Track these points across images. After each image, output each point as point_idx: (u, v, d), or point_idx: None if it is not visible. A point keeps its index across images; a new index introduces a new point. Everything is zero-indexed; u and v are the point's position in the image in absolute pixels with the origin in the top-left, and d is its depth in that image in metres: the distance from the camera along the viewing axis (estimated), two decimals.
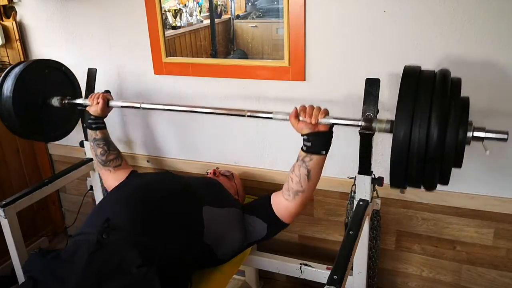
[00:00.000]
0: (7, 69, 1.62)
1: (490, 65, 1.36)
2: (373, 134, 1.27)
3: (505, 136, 1.05)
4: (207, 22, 1.77)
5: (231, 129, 1.83)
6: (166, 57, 1.79)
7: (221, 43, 1.79)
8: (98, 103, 1.55)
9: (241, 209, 1.43)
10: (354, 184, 1.38)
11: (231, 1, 1.70)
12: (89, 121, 1.57)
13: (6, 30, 2.07)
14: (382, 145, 1.58)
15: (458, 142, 1.02)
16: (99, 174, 1.91)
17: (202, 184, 1.49)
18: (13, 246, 1.61)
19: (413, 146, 1.01)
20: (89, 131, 1.60)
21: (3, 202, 1.57)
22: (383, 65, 1.48)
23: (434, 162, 1.02)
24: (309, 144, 1.23)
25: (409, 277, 1.78)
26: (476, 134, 1.06)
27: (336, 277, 1.02)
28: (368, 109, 1.27)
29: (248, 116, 1.38)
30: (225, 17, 1.74)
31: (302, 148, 1.26)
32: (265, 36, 1.66)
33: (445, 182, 1.09)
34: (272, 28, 1.63)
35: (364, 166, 1.33)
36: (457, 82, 1.08)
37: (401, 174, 1.07)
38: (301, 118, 1.23)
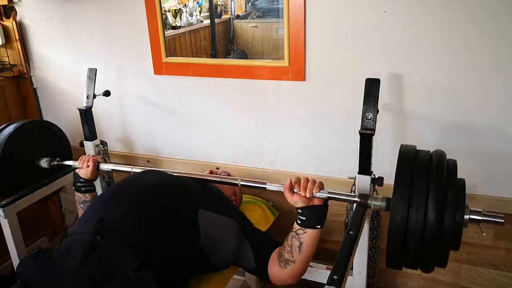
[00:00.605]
0: None
1: (489, 65, 1.37)
2: (373, 134, 1.27)
3: (501, 221, 1.04)
4: (207, 22, 1.78)
5: (231, 129, 1.83)
6: (166, 57, 1.79)
7: (221, 43, 1.79)
8: (88, 166, 1.51)
9: (241, 224, 1.37)
10: (354, 184, 1.38)
11: (231, 1, 1.70)
12: (78, 184, 1.52)
13: (6, 30, 2.07)
14: (382, 145, 1.58)
15: (455, 225, 1.01)
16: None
17: (200, 187, 1.45)
18: (13, 246, 1.61)
19: (410, 229, 1.00)
20: (78, 194, 1.54)
21: (3, 202, 1.57)
22: (383, 65, 1.48)
23: (432, 245, 1.01)
24: (303, 218, 1.20)
25: (409, 277, 1.78)
26: (473, 217, 1.04)
27: (336, 277, 1.02)
28: (368, 109, 1.27)
29: (242, 185, 1.35)
30: (225, 17, 1.74)
31: (296, 221, 1.22)
32: (265, 36, 1.66)
33: (443, 265, 1.08)
34: (272, 28, 1.63)
35: (364, 166, 1.33)
36: (453, 165, 1.08)
37: (399, 256, 1.06)
38: (295, 190, 1.20)
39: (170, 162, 2.01)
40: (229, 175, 1.69)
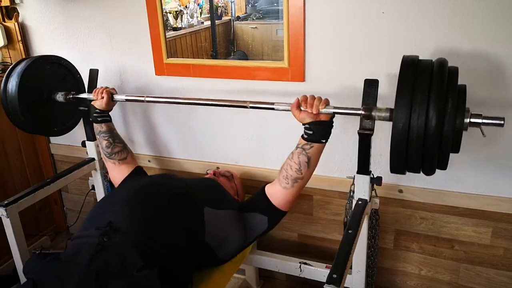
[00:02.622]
0: (9, 68, 1.65)
1: (490, 65, 1.38)
2: (371, 134, 1.28)
3: (501, 122, 1.08)
4: (207, 23, 1.79)
5: (231, 129, 1.84)
6: (167, 58, 1.81)
7: (221, 44, 1.80)
8: (102, 97, 1.60)
9: (238, 210, 1.43)
10: (353, 184, 1.39)
11: (231, 2, 1.71)
12: (95, 114, 1.62)
13: (8, 31, 2.09)
14: (381, 145, 1.59)
15: (455, 128, 1.06)
16: (100, 173, 1.93)
17: (203, 186, 1.50)
18: (15, 246, 1.61)
19: (412, 133, 1.05)
20: (95, 125, 1.64)
21: (5, 202, 1.58)
22: (382, 66, 1.49)
23: (433, 147, 1.05)
24: (310, 132, 1.27)
25: (407, 276, 1.79)
26: (473, 120, 1.08)
27: (336, 275, 1.03)
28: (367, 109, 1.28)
29: (250, 107, 1.41)
30: (225, 18, 1.75)
31: (302, 136, 1.29)
32: (265, 37, 1.67)
33: (444, 167, 1.12)
34: (272, 29, 1.64)
35: (363, 166, 1.34)
36: (454, 71, 1.11)
37: (401, 160, 1.11)
38: (302, 108, 1.27)
39: (170, 162, 2.03)
40: (231, 174, 1.71)
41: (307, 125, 1.28)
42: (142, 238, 1.19)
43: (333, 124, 1.31)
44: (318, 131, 1.27)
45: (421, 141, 1.04)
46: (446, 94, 1.05)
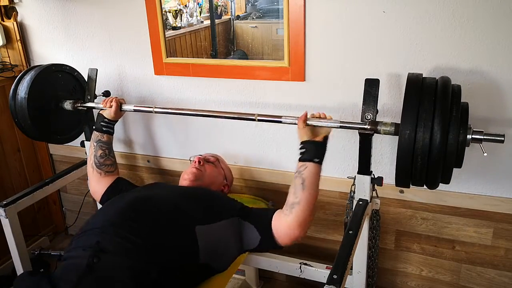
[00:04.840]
0: (21, 72, 1.66)
1: (490, 65, 1.37)
2: (372, 135, 1.28)
3: (501, 139, 1.13)
4: (207, 22, 1.78)
5: (230, 129, 1.84)
6: (167, 57, 1.80)
7: (221, 43, 1.79)
8: (111, 106, 1.61)
9: (238, 215, 1.36)
10: (353, 184, 1.39)
11: (231, 1, 1.71)
12: (102, 123, 1.63)
13: (7, 31, 2.08)
14: (382, 145, 1.59)
15: (459, 144, 1.10)
16: None
17: (192, 200, 1.40)
18: (14, 246, 1.61)
19: (417, 148, 1.08)
20: (96, 132, 1.63)
21: (4, 202, 1.58)
22: (383, 65, 1.48)
23: (437, 162, 1.08)
24: (303, 150, 1.29)
25: (408, 277, 1.79)
26: (475, 136, 1.13)
27: (336, 276, 1.03)
28: (367, 109, 1.28)
29: (258, 120, 1.42)
30: (225, 17, 1.74)
31: (299, 159, 1.30)
32: (265, 37, 1.66)
33: (447, 181, 1.16)
34: (272, 28, 1.63)
35: (364, 166, 1.34)
36: (457, 89, 1.15)
37: (407, 175, 1.14)
38: (309, 122, 1.30)
39: (170, 162, 2.02)
40: (217, 159, 1.67)
41: (301, 144, 1.30)
42: (132, 260, 1.15)
43: (327, 146, 1.30)
44: (311, 150, 1.28)
45: (426, 156, 1.08)
46: (450, 111, 1.09)
